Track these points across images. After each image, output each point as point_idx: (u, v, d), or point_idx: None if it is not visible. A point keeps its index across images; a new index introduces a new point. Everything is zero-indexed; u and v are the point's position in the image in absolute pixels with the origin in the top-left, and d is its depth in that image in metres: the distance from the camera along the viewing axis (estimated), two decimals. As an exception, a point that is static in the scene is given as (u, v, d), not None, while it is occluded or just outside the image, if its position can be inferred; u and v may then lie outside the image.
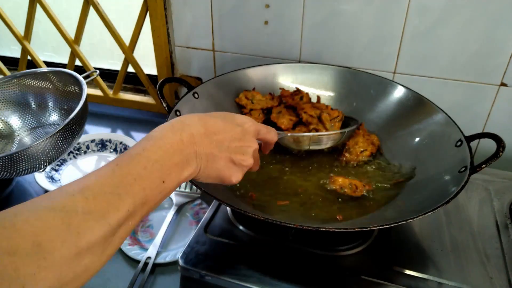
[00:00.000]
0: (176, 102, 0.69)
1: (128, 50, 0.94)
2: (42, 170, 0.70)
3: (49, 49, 1.17)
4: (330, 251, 0.59)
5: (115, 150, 0.88)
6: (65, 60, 1.02)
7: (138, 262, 0.63)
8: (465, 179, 0.54)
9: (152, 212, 0.72)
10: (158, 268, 0.64)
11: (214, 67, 0.95)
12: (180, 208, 0.73)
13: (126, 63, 0.97)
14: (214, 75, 0.95)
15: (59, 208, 0.31)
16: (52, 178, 0.78)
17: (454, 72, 0.77)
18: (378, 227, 0.48)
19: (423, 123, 0.69)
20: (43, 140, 0.64)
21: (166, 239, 0.68)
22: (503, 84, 0.75)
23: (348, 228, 0.50)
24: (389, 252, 0.59)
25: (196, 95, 0.72)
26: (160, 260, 0.63)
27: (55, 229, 0.29)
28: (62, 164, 0.83)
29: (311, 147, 0.69)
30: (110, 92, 1.03)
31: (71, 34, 0.97)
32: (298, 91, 0.78)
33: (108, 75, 1.10)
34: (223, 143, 0.45)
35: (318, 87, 0.80)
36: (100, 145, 0.89)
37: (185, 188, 0.76)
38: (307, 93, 0.78)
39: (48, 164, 0.69)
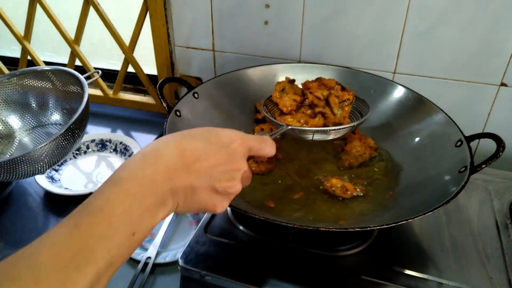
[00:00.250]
0: (176, 102, 0.69)
1: (128, 50, 0.94)
2: (43, 173, 0.70)
3: (49, 49, 1.17)
4: (330, 251, 0.59)
5: (115, 150, 0.88)
6: (65, 60, 1.02)
7: (138, 262, 0.63)
8: (465, 179, 0.54)
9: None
10: (158, 268, 0.64)
11: (214, 67, 0.95)
12: (180, 208, 0.73)
13: (126, 63, 0.97)
14: (214, 75, 0.95)
15: None
16: (52, 178, 0.78)
17: (454, 72, 0.77)
18: (378, 227, 0.48)
19: (423, 123, 0.69)
20: (45, 144, 0.64)
21: (166, 239, 0.68)
22: (503, 84, 0.75)
23: (348, 228, 0.50)
24: (389, 252, 0.59)
25: (196, 95, 0.72)
26: (160, 260, 0.63)
27: None
28: (62, 164, 0.83)
29: (315, 138, 0.63)
30: (110, 92, 1.03)
31: (71, 34, 0.97)
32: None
33: (108, 75, 1.10)
34: (205, 172, 0.39)
35: (318, 87, 0.80)
36: (100, 145, 0.89)
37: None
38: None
39: (50, 167, 0.69)
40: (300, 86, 0.71)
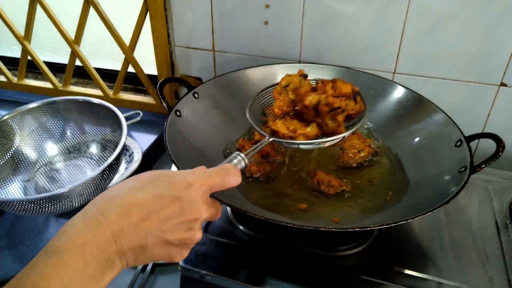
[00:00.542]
0: (176, 102, 0.69)
1: (128, 50, 0.94)
2: (74, 210, 0.67)
3: (49, 49, 1.17)
4: (330, 251, 0.59)
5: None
6: (65, 60, 1.02)
7: (138, 262, 0.63)
8: (465, 179, 0.54)
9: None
10: (158, 268, 0.64)
11: (214, 67, 0.95)
12: (180, 208, 0.73)
13: (126, 63, 0.97)
14: (214, 75, 0.95)
15: None
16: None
17: (454, 72, 0.77)
18: (378, 227, 0.48)
19: (423, 123, 0.69)
20: (83, 183, 0.62)
21: (166, 239, 0.68)
22: (502, 84, 0.76)
23: (348, 228, 0.50)
24: (389, 252, 0.59)
25: (196, 95, 0.72)
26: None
27: None
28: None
29: (301, 147, 0.60)
30: (110, 92, 1.03)
31: (71, 34, 0.97)
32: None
33: (108, 75, 1.10)
34: (156, 228, 0.35)
35: (318, 87, 0.80)
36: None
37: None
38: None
39: (82, 205, 0.66)
40: (314, 83, 0.64)
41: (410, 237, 0.62)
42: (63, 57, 1.15)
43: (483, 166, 0.57)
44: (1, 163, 0.74)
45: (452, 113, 0.67)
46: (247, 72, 0.79)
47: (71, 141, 0.82)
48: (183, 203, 0.37)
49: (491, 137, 0.59)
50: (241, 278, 0.55)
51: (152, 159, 0.91)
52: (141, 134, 0.97)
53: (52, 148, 0.81)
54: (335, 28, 0.80)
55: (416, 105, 0.71)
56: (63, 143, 0.82)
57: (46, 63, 1.06)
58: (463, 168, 0.57)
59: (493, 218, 0.66)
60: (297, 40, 0.84)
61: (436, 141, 0.66)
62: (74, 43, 0.98)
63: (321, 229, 0.50)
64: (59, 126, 0.82)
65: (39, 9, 0.97)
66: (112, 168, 0.67)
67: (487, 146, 0.77)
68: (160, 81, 0.71)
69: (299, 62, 0.86)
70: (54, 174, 0.77)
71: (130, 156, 0.83)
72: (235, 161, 0.46)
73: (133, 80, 1.09)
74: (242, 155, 0.46)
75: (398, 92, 0.74)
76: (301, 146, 0.59)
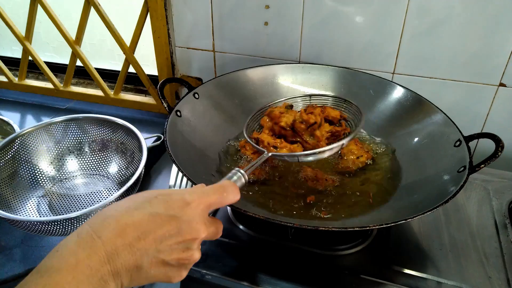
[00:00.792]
0: (176, 102, 0.69)
1: (129, 51, 0.94)
2: None
3: (50, 49, 1.18)
4: (330, 250, 0.59)
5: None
6: (66, 60, 1.02)
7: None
8: (464, 179, 0.54)
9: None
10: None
11: (215, 67, 0.95)
12: (180, 208, 0.73)
13: (127, 63, 0.97)
14: (214, 76, 0.95)
15: None
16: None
17: (453, 73, 0.77)
18: (377, 227, 0.49)
19: (422, 123, 0.69)
20: (102, 206, 0.60)
21: (166, 239, 0.68)
22: (502, 85, 0.76)
23: (347, 227, 0.51)
24: (388, 252, 0.59)
25: (196, 95, 0.72)
26: (161, 259, 0.63)
27: None
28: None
29: (301, 160, 0.59)
30: (111, 93, 1.03)
31: (72, 35, 0.98)
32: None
33: (109, 75, 1.11)
34: (151, 248, 0.35)
35: (317, 87, 0.80)
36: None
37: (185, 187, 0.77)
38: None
39: None
40: (299, 111, 0.67)
41: (410, 236, 0.63)
42: (63, 58, 1.16)
43: (482, 166, 0.57)
44: (18, 177, 0.74)
45: (451, 113, 0.67)
46: (247, 72, 0.80)
47: (89, 158, 0.82)
48: (180, 222, 0.36)
49: (490, 137, 0.59)
50: (241, 278, 0.55)
51: (153, 159, 0.91)
52: (142, 134, 0.97)
53: (69, 164, 0.81)
54: (334, 29, 0.81)
55: (416, 105, 0.72)
56: (80, 159, 0.82)
57: (47, 63, 1.07)
58: (462, 168, 0.57)
59: (492, 218, 0.66)
60: (297, 40, 0.84)
61: (435, 141, 0.66)
62: (75, 43, 0.98)
63: (321, 228, 0.51)
64: (78, 142, 0.82)
65: (40, 9, 0.97)
66: (130, 191, 0.66)
67: (486, 146, 0.78)
68: (161, 81, 0.71)
69: (299, 62, 0.86)
70: (69, 191, 0.77)
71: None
72: (235, 177, 0.45)
73: (133, 81, 1.10)
74: (242, 171, 0.46)
75: (398, 92, 0.74)
76: (301, 159, 0.59)
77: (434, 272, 0.56)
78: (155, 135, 0.83)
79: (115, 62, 1.12)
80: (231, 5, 0.85)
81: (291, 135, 0.64)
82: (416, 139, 0.69)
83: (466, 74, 0.77)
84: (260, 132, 0.67)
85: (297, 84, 0.81)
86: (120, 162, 0.81)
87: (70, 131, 0.81)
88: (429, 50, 0.77)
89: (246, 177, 0.46)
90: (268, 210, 0.59)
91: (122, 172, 0.80)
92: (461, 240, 0.62)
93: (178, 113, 0.68)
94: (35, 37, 1.03)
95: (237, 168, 0.46)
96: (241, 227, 0.63)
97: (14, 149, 0.74)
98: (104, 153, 0.82)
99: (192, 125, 0.69)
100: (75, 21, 0.95)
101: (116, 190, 0.77)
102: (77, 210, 0.72)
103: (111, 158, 0.82)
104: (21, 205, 0.72)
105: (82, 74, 1.11)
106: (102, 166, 0.82)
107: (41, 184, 0.77)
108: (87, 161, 0.82)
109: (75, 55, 1.00)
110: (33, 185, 0.76)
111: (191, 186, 0.57)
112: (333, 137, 0.64)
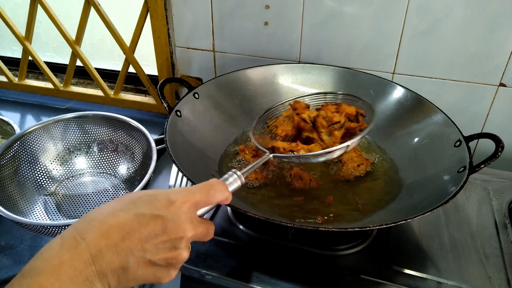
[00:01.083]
0: (176, 102, 0.69)
1: (129, 51, 0.94)
2: None
3: (50, 49, 1.17)
4: (330, 250, 0.59)
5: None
6: (66, 60, 1.02)
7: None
8: (464, 179, 0.54)
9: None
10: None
11: (215, 67, 0.95)
12: (180, 208, 0.73)
13: (127, 63, 0.97)
14: (214, 76, 0.95)
15: None
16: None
17: (453, 73, 0.77)
18: (377, 227, 0.49)
19: (422, 123, 0.69)
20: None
21: (166, 239, 0.68)
22: (502, 85, 0.76)
23: (347, 227, 0.51)
24: (388, 252, 0.59)
25: (196, 95, 0.72)
26: (161, 259, 0.64)
27: None
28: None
29: (303, 161, 0.59)
30: (111, 93, 1.03)
31: (72, 35, 0.98)
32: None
33: (109, 75, 1.11)
34: (136, 248, 0.35)
35: (317, 87, 0.80)
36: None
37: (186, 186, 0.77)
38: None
39: None
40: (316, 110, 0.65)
41: (410, 236, 0.63)
42: (63, 58, 1.16)
43: (482, 166, 0.57)
44: (24, 176, 0.74)
45: (451, 113, 0.67)
46: (247, 72, 0.80)
47: (96, 157, 0.82)
48: (165, 221, 0.36)
49: (490, 137, 0.59)
50: (241, 277, 0.55)
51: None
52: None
53: (77, 162, 0.81)
54: (334, 29, 0.81)
55: (416, 105, 0.72)
56: (88, 157, 0.81)
57: (47, 63, 1.07)
58: (462, 168, 0.57)
59: (492, 218, 0.66)
60: (297, 40, 0.84)
61: (436, 141, 0.66)
62: (75, 43, 0.98)
63: (321, 229, 0.51)
64: (86, 141, 0.81)
65: (40, 9, 0.97)
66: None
67: (486, 146, 0.78)
68: (161, 81, 0.71)
69: (299, 62, 0.86)
70: (76, 190, 0.77)
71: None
72: (230, 179, 0.44)
73: (133, 80, 1.10)
74: (239, 173, 0.45)
75: (398, 92, 0.74)
76: (303, 161, 0.58)
77: (434, 272, 0.56)
78: (162, 136, 0.83)
79: (115, 62, 1.12)
80: (231, 5, 0.85)
81: (309, 129, 0.61)
82: (416, 139, 0.69)
83: (466, 74, 0.77)
84: (275, 136, 0.65)
85: (297, 84, 0.81)
86: (128, 161, 0.81)
87: (79, 128, 0.81)
88: (429, 50, 0.77)
89: (243, 179, 0.45)
90: (269, 210, 0.59)
91: (130, 171, 0.80)
92: (461, 240, 0.62)
93: (178, 113, 0.68)
94: (35, 37, 1.03)
95: (233, 170, 0.45)
96: (241, 227, 0.63)
97: (14, 149, 0.73)
98: (112, 152, 0.82)
99: (192, 125, 0.69)
100: (75, 21, 0.95)
101: (123, 189, 0.78)
102: (85, 210, 0.72)
103: (119, 157, 0.82)
104: (29, 204, 0.72)
105: (82, 74, 1.11)
106: (109, 164, 0.82)
107: (48, 182, 0.77)
108: (95, 160, 0.82)
109: (75, 55, 1.00)
110: (40, 184, 0.76)
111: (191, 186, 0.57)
112: (348, 134, 0.62)
